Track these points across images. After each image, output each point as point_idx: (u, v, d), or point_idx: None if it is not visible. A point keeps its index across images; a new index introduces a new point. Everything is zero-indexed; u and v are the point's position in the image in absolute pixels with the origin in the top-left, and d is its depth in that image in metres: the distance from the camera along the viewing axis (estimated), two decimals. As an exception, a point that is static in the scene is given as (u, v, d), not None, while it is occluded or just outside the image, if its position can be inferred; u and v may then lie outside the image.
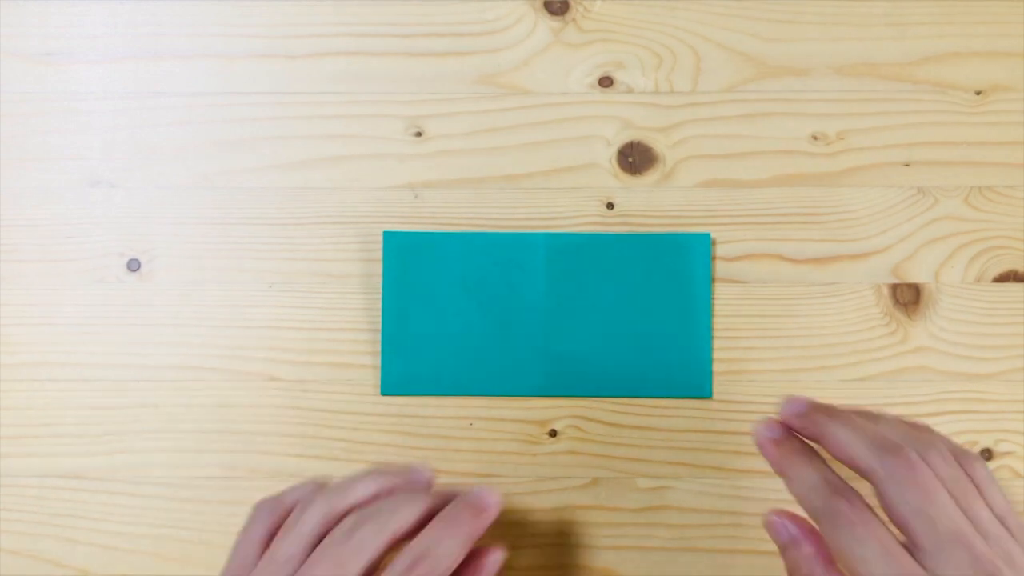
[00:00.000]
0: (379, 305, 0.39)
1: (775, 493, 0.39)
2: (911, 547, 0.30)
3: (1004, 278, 0.40)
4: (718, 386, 0.39)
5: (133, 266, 0.40)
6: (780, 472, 0.32)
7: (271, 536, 0.32)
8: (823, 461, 0.32)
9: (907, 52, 0.41)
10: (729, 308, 0.39)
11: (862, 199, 0.40)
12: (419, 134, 0.40)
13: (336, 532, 0.30)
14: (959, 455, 0.32)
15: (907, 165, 0.40)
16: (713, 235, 0.39)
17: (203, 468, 0.39)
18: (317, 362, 0.39)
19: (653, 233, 0.39)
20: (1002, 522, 0.31)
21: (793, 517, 0.32)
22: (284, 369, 0.39)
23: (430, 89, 0.40)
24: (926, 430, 0.33)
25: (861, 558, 0.29)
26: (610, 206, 0.40)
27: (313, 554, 0.30)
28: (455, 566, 0.31)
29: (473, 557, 0.32)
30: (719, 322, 0.39)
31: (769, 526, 0.33)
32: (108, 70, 0.41)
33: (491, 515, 0.32)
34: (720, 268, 0.40)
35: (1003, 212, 0.40)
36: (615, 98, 0.40)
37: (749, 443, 0.39)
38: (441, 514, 0.31)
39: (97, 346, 0.39)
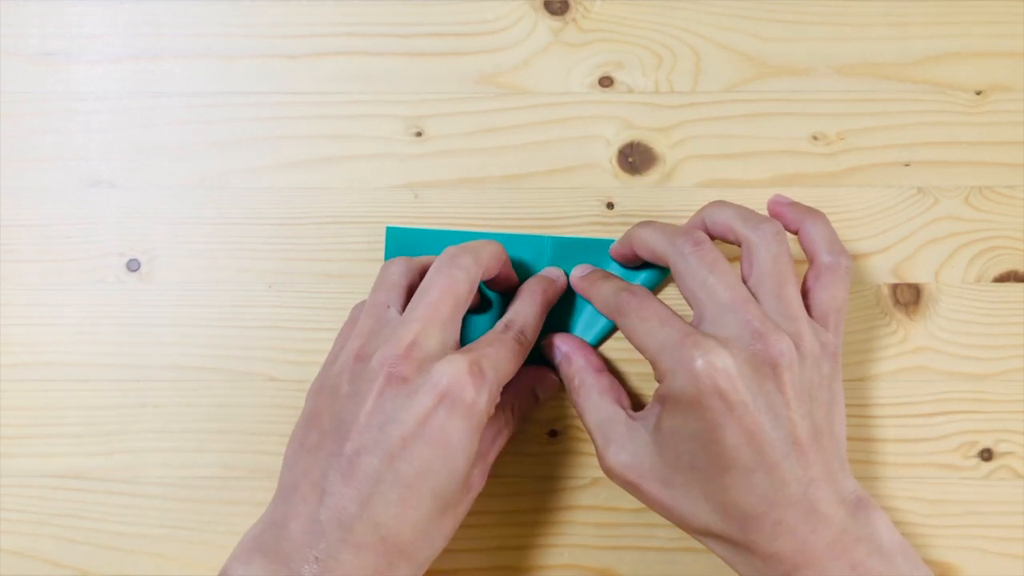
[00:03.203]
0: (379, 305, 0.39)
1: (775, 493, 0.39)
2: (696, 321, 0.33)
3: (1004, 278, 0.40)
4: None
5: (133, 266, 0.40)
6: (586, 297, 0.37)
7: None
8: (619, 279, 0.36)
9: (907, 52, 0.41)
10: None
11: (862, 199, 0.40)
12: (419, 134, 0.40)
13: (443, 257, 0.34)
14: (825, 242, 0.35)
15: (907, 165, 0.40)
16: (713, 235, 0.39)
17: (203, 468, 0.39)
18: (317, 362, 0.39)
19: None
20: (821, 313, 0.34)
21: (565, 337, 0.38)
22: (284, 369, 0.39)
23: (430, 89, 0.40)
24: (811, 214, 0.36)
25: (643, 332, 0.33)
26: (610, 206, 0.40)
27: (427, 275, 0.33)
28: (539, 327, 0.36)
29: (538, 370, 0.38)
30: (719, 322, 0.39)
31: (545, 348, 0.38)
32: (108, 70, 0.41)
33: (561, 285, 0.38)
34: (720, 268, 0.39)
35: (1003, 212, 0.40)
36: (615, 98, 0.40)
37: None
38: (522, 288, 0.37)
39: (97, 346, 0.39)
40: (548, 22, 0.41)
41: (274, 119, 0.40)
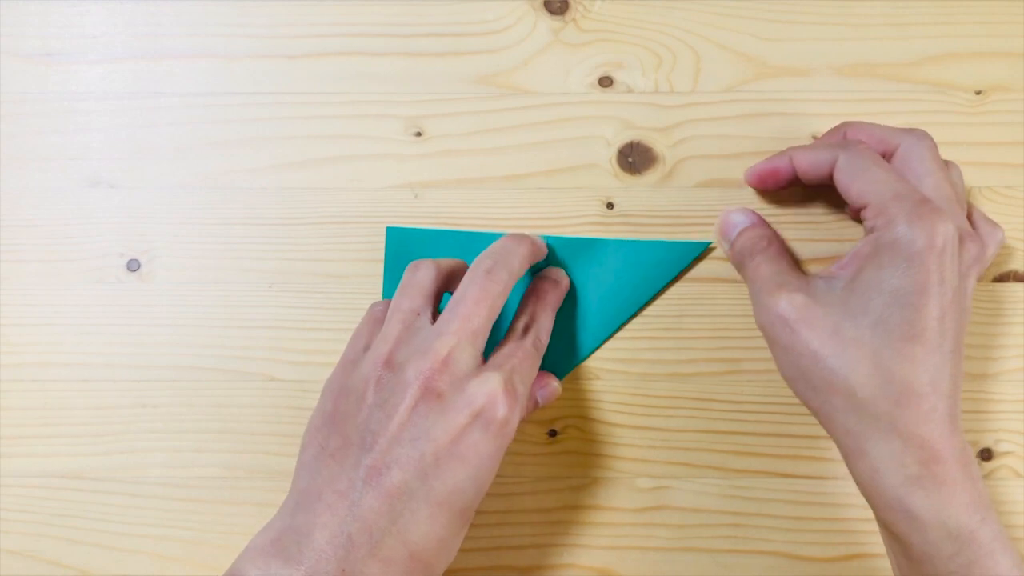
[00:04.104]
0: (379, 305, 0.39)
1: (775, 493, 0.39)
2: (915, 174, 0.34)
3: (1004, 278, 0.40)
4: (718, 386, 0.39)
5: (133, 266, 0.40)
6: (789, 157, 0.37)
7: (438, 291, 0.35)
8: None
9: (907, 52, 0.41)
10: (729, 308, 0.39)
11: (862, 199, 0.40)
12: (419, 134, 0.40)
13: (478, 269, 0.33)
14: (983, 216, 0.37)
15: (907, 165, 0.40)
16: (713, 236, 0.39)
17: (203, 468, 0.39)
18: (317, 362, 0.39)
19: (658, 240, 0.39)
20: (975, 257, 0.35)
21: (743, 209, 0.38)
22: (284, 369, 0.39)
23: (430, 89, 0.40)
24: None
25: (876, 179, 0.33)
26: (610, 206, 0.40)
27: (461, 285, 0.33)
28: (551, 330, 0.36)
29: (541, 377, 0.37)
30: (719, 322, 0.39)
31: (724, 220, 0.38)
32: (108, 70, 0.41)
33: (565, 286, 0.38)
34: (720, 268, 0.39)
35: (1003, 212, 0.40)
36: (615, 98, 0.40)
37: (749, 443, 0.39)
38: (531, 290, 0.37)
39: (97, 346, 0.39)
40: (548, 22, 0.41)
41: (274, 119, 0.40)
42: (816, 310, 0.33)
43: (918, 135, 0.35)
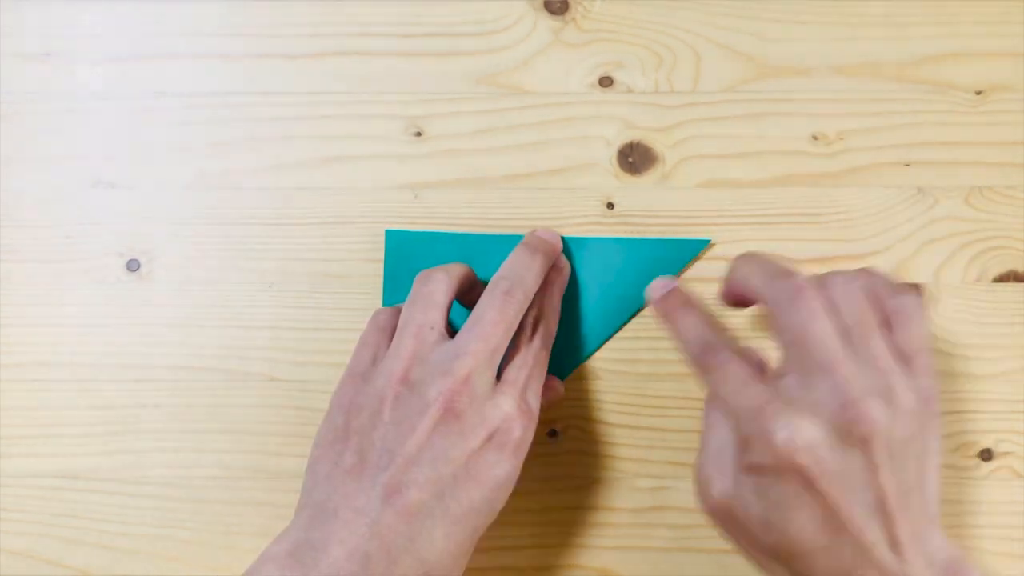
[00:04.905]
0: (379, 305, 0.39)
1: (775, 493, 0.39)
2: (785, 372, 0.31)
3: (1004, 278, 0.40)
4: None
5: (133, 266, 0.40)
6: (666, 325, 0.34)
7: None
8: (701, 315, 0.33)
9: (907, 52, 0.41)
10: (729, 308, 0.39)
11: (862, 199, 0.40)
12: (419, 134, 0.40)
13: (495, 291, 0.33)
14: (887, 287, 0.31)
15: (907, 165, 0.40)
16: (713, 235, 0.39)
17: (203, 468, 0.39)
18: (317, 362, 0.39)
19: (657, 238, 0.39)
20: (905, 357, 0.31)
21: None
22: (284, 369, 0.39)
23: (430, 89, 0.40)
24: (862, 270, 0.32)
25: (724, 393, 0.31)
26: (610, 206, 0.40)
27: (479, 305, 0.33)
28: (558, 316, 0.37)
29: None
30: (719, 322, 0.39)
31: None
32: (108, 70, 0.41)
33: (567, 273, 0.38)
34: (720, 268, 0.39)
35: (1003, 212, 0.40)
36: (615, 98, 0.40)
37: (749, 443, 0.39)
38: (521, 246, 0.36)
39: (97, 346, 0.39)
40: (548, 22, 0.41)
41: (274, 119, 0.40)
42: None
43: (837, 289, 0.31)
